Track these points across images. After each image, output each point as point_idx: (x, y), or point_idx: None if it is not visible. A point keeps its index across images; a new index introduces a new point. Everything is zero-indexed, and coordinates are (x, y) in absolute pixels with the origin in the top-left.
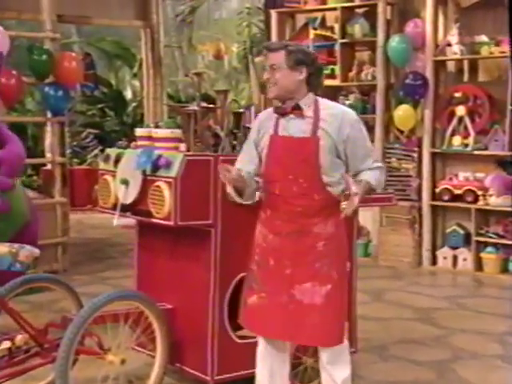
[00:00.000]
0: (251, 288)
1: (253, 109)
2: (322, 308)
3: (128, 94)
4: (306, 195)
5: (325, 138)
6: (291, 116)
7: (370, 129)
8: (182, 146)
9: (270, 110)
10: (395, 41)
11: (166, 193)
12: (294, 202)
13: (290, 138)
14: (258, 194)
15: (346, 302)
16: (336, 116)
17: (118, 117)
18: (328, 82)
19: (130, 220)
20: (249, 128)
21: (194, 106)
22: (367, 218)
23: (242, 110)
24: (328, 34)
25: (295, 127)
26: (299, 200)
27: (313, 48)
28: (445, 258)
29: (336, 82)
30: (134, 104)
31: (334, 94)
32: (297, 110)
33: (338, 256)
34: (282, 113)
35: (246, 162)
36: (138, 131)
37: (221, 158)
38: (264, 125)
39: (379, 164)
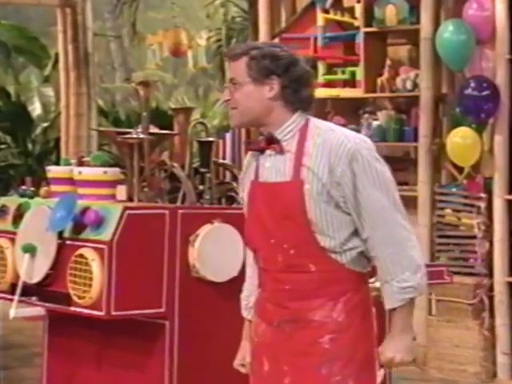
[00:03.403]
0: None
1: (230, 135)
2: None
3: (35, 109)
4: (294, 267)
5: (311, 180)
6: (269, 152)
7: (410, 164)
8: (121, 193)
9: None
10: (449, 30)
11: (95, 266)
12: (280, 277)
13: (267, 184)
14: None
15: None
16: (324, 145)
17: (18, 145)
18: (345, 93)
19: (37, 309)
20: (223, 166)
21: (138, 132)
22: None
23: (212, 139)
24: (345, 18)
25: (273, 167)
26: (286, 275)
27: (322, 40)
28: None
29: (357, 93)
30: (44, 124)
31: (353, 110)
32: (272, 143)
33: (358, 358)
34: (255, 149)
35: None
36: (52, 170)
37: (180, 211)
38: (247, 169)
39: (407, 233)
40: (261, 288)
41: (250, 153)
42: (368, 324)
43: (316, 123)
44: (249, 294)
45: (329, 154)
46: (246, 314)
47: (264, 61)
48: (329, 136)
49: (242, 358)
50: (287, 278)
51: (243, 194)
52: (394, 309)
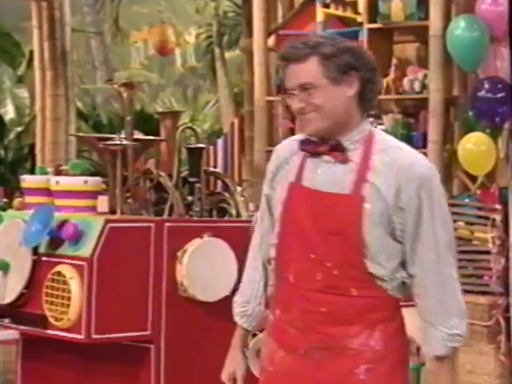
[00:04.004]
0: None
1: (222, 141)
2: None
3: (8, 112)
4: (335, 288)
5: (373, 200)
6: (327, 158)
7: None
8: (102, 205)
9: (300, 137)
10: (460, 26)
11: (74, 285)
12: (316, 297)
13: (317, 192)
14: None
15: None
16: (393, 164)
17: None
18: None
19: (10, 332)
20: (214, 175)
21: (122, 138)
22: (416, 323)
23: (202, 145)
24: (347, 14)
25: (327, 176)
26: (324, 295)
27: None
28: None
29: None
30: (17, 129)
31: None
32: (336, 151)
33: None
34: (312, 151)
35: (264, 235)
36: (27, 179)
37: (167, 224)
38: (283, 165)
39: (456, 274)
40: (279, 308)
41: (286, 145)
42: (405, 353)
43: (383, 136)
44: (248, 301)
45: (397, 175)
46: (243, 321)
47: (343, 56)
48: (398, 154)
49: (233, 371)
50: (325, 299)
51: (272, 192)
52: (438, 357)
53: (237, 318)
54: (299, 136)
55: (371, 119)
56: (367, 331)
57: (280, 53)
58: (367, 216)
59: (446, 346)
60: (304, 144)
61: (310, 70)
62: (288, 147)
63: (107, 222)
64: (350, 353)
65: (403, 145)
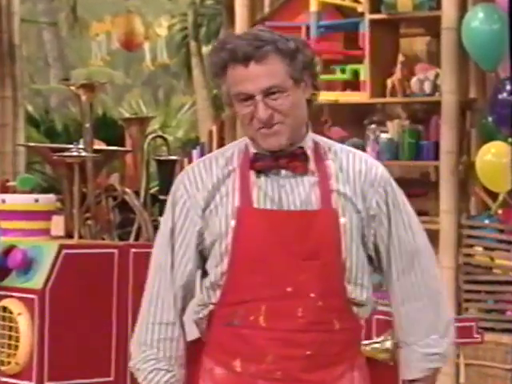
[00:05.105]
0: None
1: (198, 151)
2: None
3: None
4: (318, 324)
5: (347, 211)
6: (282, 172)
7: (430, 188)
8: (57, 227)
9: (220, 156)
10: (478, 18)
11: (23, 322)
12: (298, 338)
13: (280, 213)
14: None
15: None
16: (348, 167)
17: None
18: (345, 97)
19: None
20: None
21: (80, 148)
22: None
23: (175, 158)
24: (346, 2)
25: (291, 192)
26: (307, 335)
27: (316, 29)
28: None
29: (362, 97)
30: None
31: (357, 119)
32: (299, 159)
33: None
34: (270, 166)
35: (181, 279)
36: None
37: (133, 250)
38: (215, 191)
39: (438, 283)
40: (240, 359)
41: (201, 170)
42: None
43: (323, 139)
44: (172, 365)
45: (359, 181)
46: None
47: (305, 51)
48: (352, 158)
49: None
50: (308, 339)
51: (205, 225)
52: (414, 380)
53: None
54: (214, 156)
55: (374, 126)
56: (349, 372)
57: (227, 50)
58: (345, 232)
59: (421, 369)
60: (257, 160)
61: (274, 70)
62: (211, 171)
63: (62, 247)
64: None
65: (346, 146)
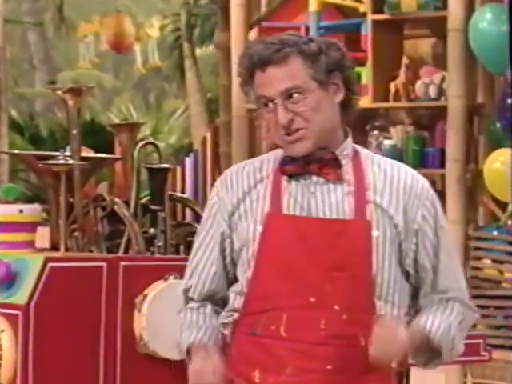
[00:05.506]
0: None
1: (191, 159)
2: None
3: None
4: (342, 338)
5: (382, 224)
6: (314, 178)
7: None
8: (42, 239)
9: (257, 161)
10: (486, 18)
11: (6, 339)
12: (318, 352)
13: (310, 220)
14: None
15: None
16: (392, 179)
17: None
18: None
19: None
20: (182, 201)
21: (66, 156)
22: None
23: (167, 165)
24: (348, 2)
25: (322, 199)
26: (329, 348)
27: (316, 31)
28: None
29: (364, 102)
30: None
31: (358, 125)
32: (331, 166)
33: None
34: (300, 171)
35: (206, 274)
36: None
37: (123, 263)
38: (245, 196)
39: (465, 301)
40: (259, 369)
41: (238, 174)
42: None
43: (367, 152)
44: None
45: (404, 193)
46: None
47: (330, 52)
48: (395, 170)
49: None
50: (330, 353)
51: (231, 230)
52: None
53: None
54: (251, 161)
55: (376, 132)
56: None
57: (247, 56)
58: (377, 245)
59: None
60: (286, 164)
61: (294, 71)
62: (243, 175)
63: (48, 260)
64: None
65: (391, 159)
